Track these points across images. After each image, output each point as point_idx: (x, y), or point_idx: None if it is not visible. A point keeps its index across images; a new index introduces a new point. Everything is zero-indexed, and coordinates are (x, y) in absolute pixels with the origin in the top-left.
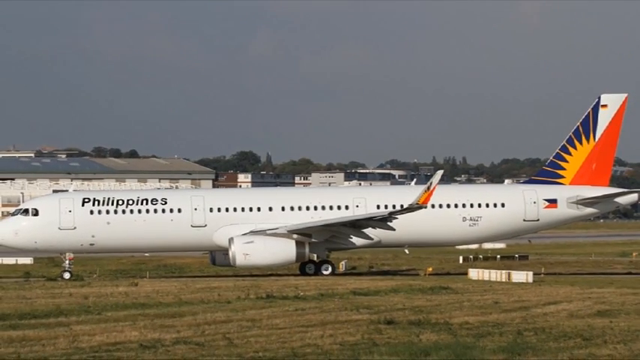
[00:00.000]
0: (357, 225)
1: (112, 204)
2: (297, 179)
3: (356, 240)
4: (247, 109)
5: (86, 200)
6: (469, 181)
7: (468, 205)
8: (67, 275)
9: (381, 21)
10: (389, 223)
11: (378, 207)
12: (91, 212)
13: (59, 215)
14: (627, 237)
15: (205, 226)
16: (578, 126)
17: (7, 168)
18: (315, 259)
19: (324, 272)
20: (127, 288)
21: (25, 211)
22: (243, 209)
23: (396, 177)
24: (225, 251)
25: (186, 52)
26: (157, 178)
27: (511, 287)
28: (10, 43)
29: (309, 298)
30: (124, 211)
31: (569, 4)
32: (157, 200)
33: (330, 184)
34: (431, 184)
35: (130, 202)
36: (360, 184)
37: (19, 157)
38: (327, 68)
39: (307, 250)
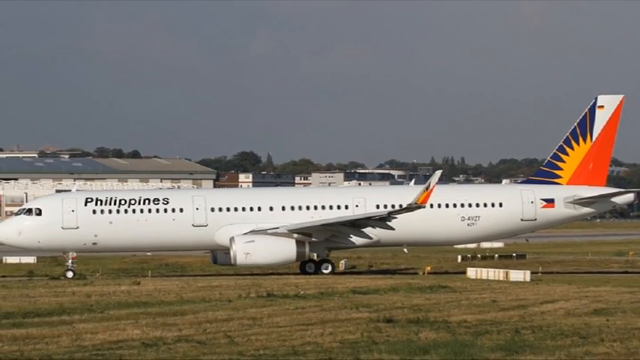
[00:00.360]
0: (356, 224)
1: (115, 204)
2: (297, 179)
3: (355, 239)
4: (247, 109)
5: (89, 200)
6: (467, 181)
7: (466, 205)
8: (69, 274)
9: (381, 21)
10: (388, 223)
11: (378, 207)
12: (94, 212)
13: (62, 215)
14: (623, 236)
15: (207, 225)
16: (575, 126)
17: (10, 168)
18: (315, 258)
19: (324, 271)
20: (130, 287)
21: (29, 211)
22: (244, 209)
23: (395, 177)
24: (226, 250)
25: (186, 52)
26: (158, 178)
27: (509, 286)
28: (10, 43)
29: (309, 296)
30: (126, 211)
31: (569, 4)
32: (158, 200)
33: (330, 184)
34: (430, 184)
35: (132, 201)
36: (359, 184)
37: (23, 157)
38: (327, 68)
39: (307, 249)
